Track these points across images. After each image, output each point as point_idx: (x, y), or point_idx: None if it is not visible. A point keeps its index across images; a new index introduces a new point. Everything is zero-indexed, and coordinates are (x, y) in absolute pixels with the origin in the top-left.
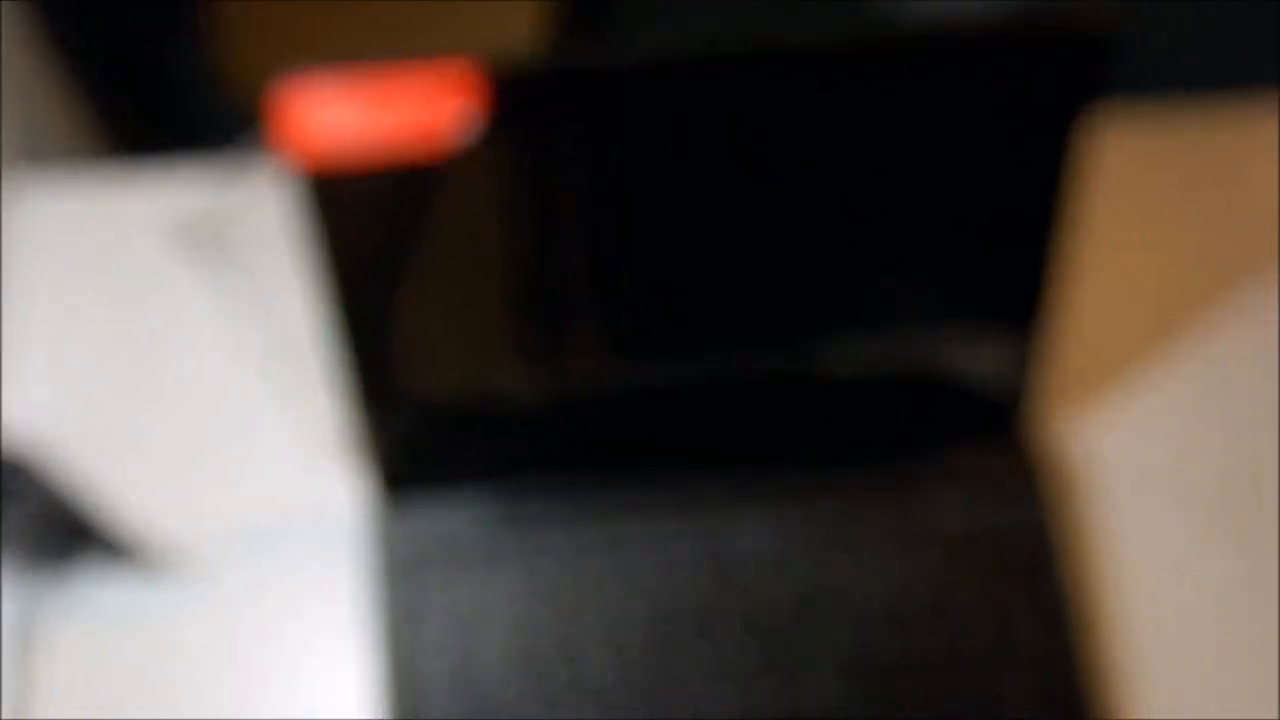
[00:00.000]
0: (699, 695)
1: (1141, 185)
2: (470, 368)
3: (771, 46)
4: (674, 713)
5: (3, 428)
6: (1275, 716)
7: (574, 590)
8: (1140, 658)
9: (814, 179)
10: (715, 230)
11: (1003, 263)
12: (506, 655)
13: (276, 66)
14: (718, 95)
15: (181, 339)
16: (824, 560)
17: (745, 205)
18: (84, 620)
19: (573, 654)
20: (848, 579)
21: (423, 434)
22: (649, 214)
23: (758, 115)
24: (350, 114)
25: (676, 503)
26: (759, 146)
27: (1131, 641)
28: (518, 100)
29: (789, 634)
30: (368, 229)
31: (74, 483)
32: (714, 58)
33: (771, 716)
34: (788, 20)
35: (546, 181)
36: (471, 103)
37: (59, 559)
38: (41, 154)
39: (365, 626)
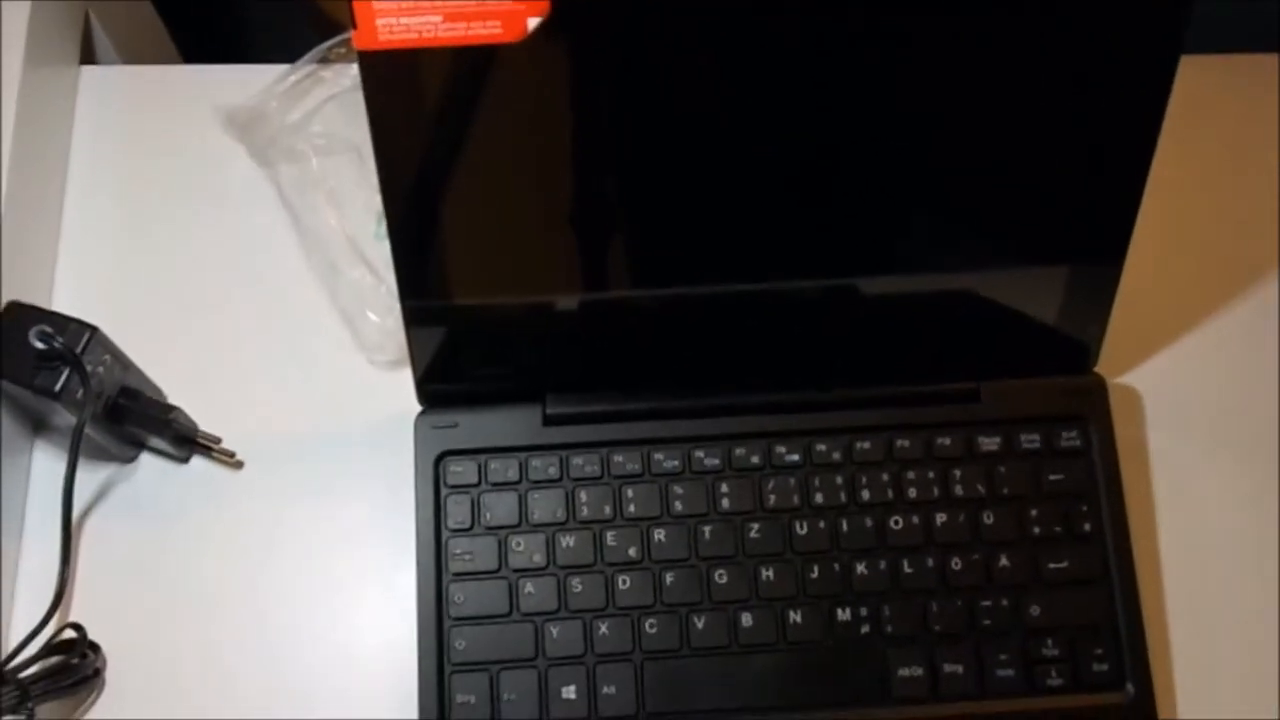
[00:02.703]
0: (725, 608)
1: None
2: (512, 275)
3: None
4: (699, 624)
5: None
6: None
7: (604, 499)
8: (1176, 584)
9: (880, 99)
10: (773, 146)
11: (1080, 197)
12: (535, 560)
13: None
14: (782, 10)
15: (239, 236)
16: (860, 479)
17: (805, 122)
18: (140, 504)
19: (600, 561)
20: (884, 498)
21: (463, 339)
22: (698, 124)
23: (821, 29)
24: (415, 6)
25: (711, 415)
26: (825, 61)
27: (1169, 571)
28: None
29: (822, 552)
30: (426, 122)
31: (135, 369)
32: None
33: (803, 634)
34: None
35: (596, 87)
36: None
37: (121, 439)
38: (115, 52)
39: (404, 526)
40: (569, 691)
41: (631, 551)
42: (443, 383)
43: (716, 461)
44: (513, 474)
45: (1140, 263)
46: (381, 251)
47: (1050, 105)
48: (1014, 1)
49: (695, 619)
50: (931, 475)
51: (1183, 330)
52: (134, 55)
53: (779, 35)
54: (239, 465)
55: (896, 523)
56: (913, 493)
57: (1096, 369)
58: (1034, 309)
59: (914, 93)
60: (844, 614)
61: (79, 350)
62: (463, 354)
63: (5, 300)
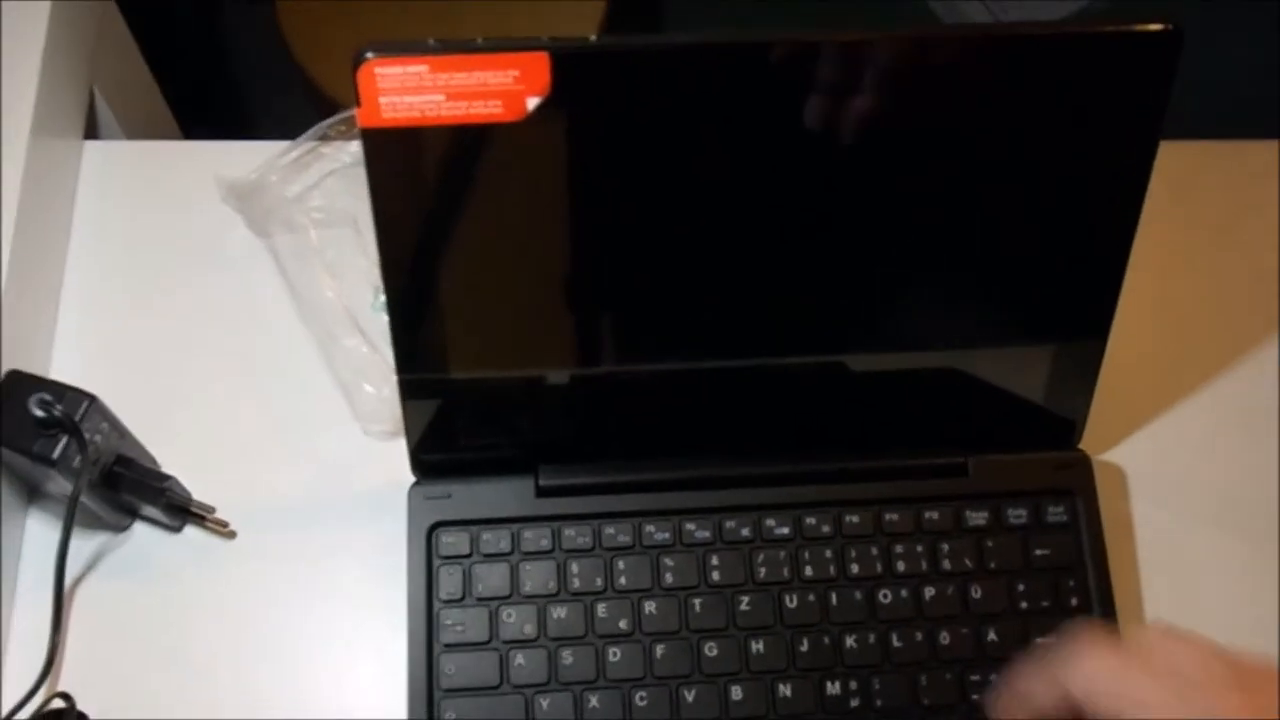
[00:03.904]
0: (716, 681)
1: (1176, 210)
2: (508, 349)
3: (827, 40)
4: (689, 697)
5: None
6: None
7: (595, 570)
8: None
9: (870, 182)
10: (766, 226)
11: (1063, 277)
12: (526, 631)
13: (345, 47)
14: (776, 85)
15: (237, 306)
16: (850, 552)
17: (798, 203)
18: (132, 573)
19: (591, 633)
20: (874, 572)
21: (458, 412)
22: (692, 204)
23: (814, 106)
24: (419, 84)
25: (702, 487)
26: (819, 145)
27: None
28: (573, 78)
29: (812, 625)
30: (425, 197)
31: (131, 438)
32: (772, 46)
33: (793, 707)
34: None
35: (593, 166)
36: (530, 78)
37: (115, 508)
38: (118, 128)
39: (396, 596)
40: None
41: (622, 623)
42: (437, 454)
43: (707, 534)
44: (505, 545)
45: (1124, 341)
46: (378, 323)
47: (1034, 189)
48: (997, 90)
49: (685, 692)
50: (920, 549)
51: (1165, 407)
52: (137, 131)
53: (775, 121)
54: (232, 535)
55: (886, 596)
56: (902, 566)
57: (1081, 444)
58: (1020, 386)
59: (901, 175)
60: (834, 687)
61: (78, 418)
62: (457, 426)
63: (5, 369)
